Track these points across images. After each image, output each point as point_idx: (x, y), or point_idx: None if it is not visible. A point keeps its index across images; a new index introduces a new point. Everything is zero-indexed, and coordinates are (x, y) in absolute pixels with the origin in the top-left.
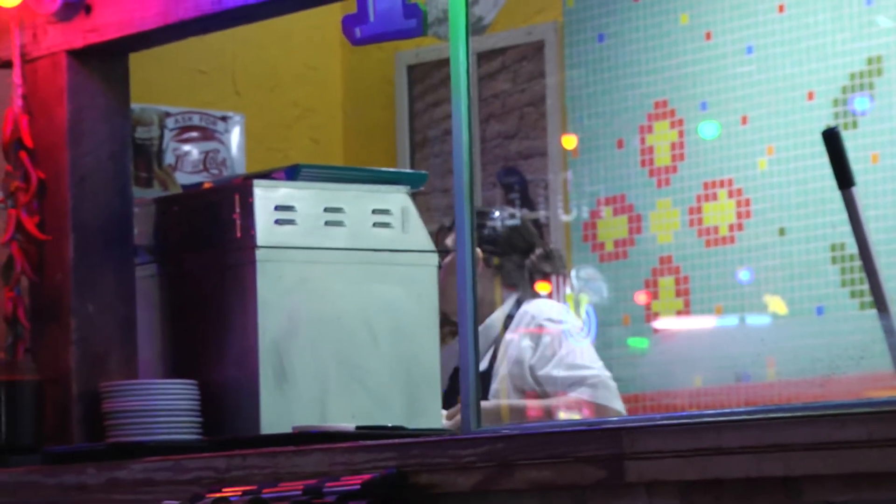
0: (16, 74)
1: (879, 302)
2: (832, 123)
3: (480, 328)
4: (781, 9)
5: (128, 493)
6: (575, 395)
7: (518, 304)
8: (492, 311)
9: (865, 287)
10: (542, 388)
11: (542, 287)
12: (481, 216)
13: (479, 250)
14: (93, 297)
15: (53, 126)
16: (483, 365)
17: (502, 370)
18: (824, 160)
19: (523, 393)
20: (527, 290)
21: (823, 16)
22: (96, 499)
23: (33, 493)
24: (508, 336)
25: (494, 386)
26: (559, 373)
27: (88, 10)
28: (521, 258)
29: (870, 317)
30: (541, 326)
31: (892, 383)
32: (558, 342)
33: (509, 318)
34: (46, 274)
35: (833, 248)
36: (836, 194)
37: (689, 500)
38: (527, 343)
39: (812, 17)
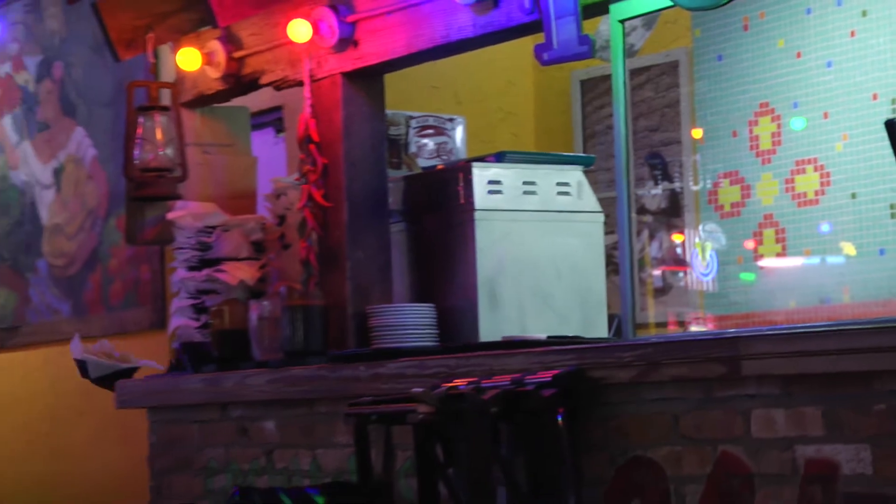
0: (306, 90)
1: None
2: (891, 117)
3: None
4: (853, 34)
5: (387, 383)
6: None
7: None
8: None
9: None
10: None
11: (676, 237)
12: None
13: None
14: (361, 247)
15: (332, 127)
16: None
17: None
18: (885, 143)
19: None
20: None
21: (884, 38)
22: (365, 387)
23: (322, 384)
24: None
25: None
26: None
27: (356, 44)
28: None
29: None
30: None
31: None
32: None
33: None
34: (329, 231)
35: (892, 206)
36: (894, 168)
37: (788, 388)
38: None
39: (875, 39)
